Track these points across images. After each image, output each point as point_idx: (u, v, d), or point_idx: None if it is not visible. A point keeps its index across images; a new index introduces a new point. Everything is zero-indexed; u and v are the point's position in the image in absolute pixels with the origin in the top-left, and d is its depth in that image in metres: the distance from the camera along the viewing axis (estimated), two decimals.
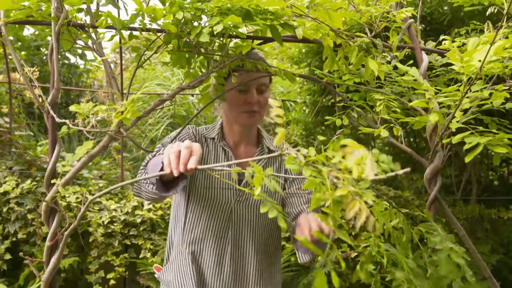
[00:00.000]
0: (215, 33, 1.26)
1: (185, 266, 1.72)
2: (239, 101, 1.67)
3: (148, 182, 1.45)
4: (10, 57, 4.14)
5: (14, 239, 3.35)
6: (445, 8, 3.15)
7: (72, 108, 1.34)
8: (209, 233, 1.72)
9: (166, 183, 1.42)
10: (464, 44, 1.42)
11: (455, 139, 1.26)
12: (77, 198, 3.47)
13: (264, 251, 1.78)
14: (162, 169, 1.30)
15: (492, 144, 1.22)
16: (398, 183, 4.94)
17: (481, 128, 1.28)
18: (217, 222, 1.72)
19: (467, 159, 1.24)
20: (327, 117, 1.77)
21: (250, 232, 1.76)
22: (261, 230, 1.77)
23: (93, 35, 1.46)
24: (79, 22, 1.43)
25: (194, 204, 1.73)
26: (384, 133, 1.39)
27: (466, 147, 1.23)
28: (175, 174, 1.15)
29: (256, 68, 1.49)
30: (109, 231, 3.43)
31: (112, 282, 3.37)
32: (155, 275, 1.89)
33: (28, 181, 3.51)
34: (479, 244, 4.06)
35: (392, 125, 1.48)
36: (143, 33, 1.41)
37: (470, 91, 1.27)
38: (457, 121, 1.32)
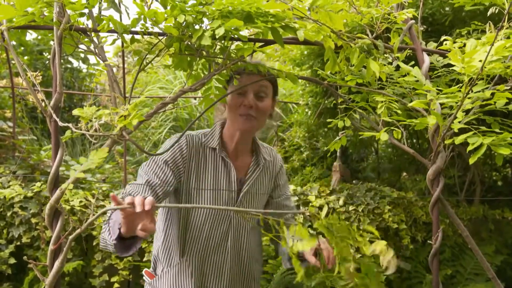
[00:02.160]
0: (217, 36, 1.26)
1: (183, 279, 1.73)
2: (237, 104, 1.70)
3: (109, 241, 1.41)
4: (13, 61, 4.15)
5: (18, 243, 3.36)
6: (447, 9, 3.15)
7: (75, 112, 1.34)
8: (210, 244, 1.75)
9: (124, 244, 1.40)
10: (465, 45, 1.42)
11: (458, 140, 1.26)
12: (80, 202, 3.47)
13: (255, 254, 1.88)
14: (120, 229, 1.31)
15: (495, 145, 1.22)
16: (401, 184, 4.93)
17: (483, 128, 1.28)
18: (218, 232, 1.75)
19: (471, 161, 1.24)
20: (329, 120, 1.78)
21: (247, 239, 1.82)
22: (254, 236, 1.87)
23: (95, 39, 1.47)
24: (81, 26, 1.43)
25: (195, 218, 1.73)
26: (384, 136, 1.39)
27: (469, 148, 1.22)
28: (139, 209, 1.15)
29: (257, 70, 1.50)
30: None
31: (116, 285, 3.37)
32: (145, 279, 1.85)
33: (39, 184, 3.52)
34: (483, 244, 4.05)
35: (393, 128, 1.48)
36: (145, 36, 1.42)
37: (472, 91, 1.27)
38: (459, 122, 1.32)
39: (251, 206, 1.80)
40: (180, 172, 1.69)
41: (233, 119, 1.73)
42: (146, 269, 1.85)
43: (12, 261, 3.30)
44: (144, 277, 1.87)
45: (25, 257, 1.51)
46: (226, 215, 1.74)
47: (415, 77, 1.40)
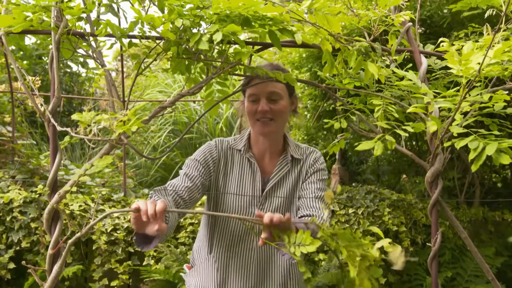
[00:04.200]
0: (214, 41, 1.26)
1: (209, 273, 1.83)
2: (252, 110, 1.77)
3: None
4: (12, 66, 4.15)
5: (18, 248, 3.35)
6: (445, 11, 3.15)
7: (74, 116, 1.34)
8: (236, 241, 1.82)
9: (144, 240, 1.52)
10: (463, 47, 1.42)
11: (459, 145, 1.26)
12: (80, 206, 3.47)
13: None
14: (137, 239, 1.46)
15: (497, 151, 1.21)
16: (401, 187, 4.93)
17: (482, 131, 1.27)
18: (242, 229, 1.81)
19: (474, 169, 1.23)
20: (326, 120, 1.78)
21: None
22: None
23: (93, 43, 1.47)
24: (79, 30, 1.44)
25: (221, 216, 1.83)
26: (379, 150, 1.38)
27: (471, 156, 1.22)
28: (145, 219, 1.26)
29: (255, 74, 1.51)
30: (112, 238, 3.43)
31: None
32: (182, 274, 1.99)
33: (41, 186, 3.52)
34: (483, 246, 4.04)
35: (388, 136, 1.47)
36: (143, 40, 1.42)
37: (469, 95, 1.27)
38: (457, 124, 1.31)
39: (273, 205, 1.82)
40: (210, 171, 1.81)
41: (252, 124, 1.81)
42: (186, 264, 2.01)
43: (12, 266, 3.30)
44: (185, 270, 1.99)
45: (23, 262, 1.51)
46: (250, 211, 1.80)
47: (411, 80, 1.40)
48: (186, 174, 1.74)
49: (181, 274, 2.02)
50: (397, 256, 1.11)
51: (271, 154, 1.87)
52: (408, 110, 1.37)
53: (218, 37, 1.22)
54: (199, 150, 1.84)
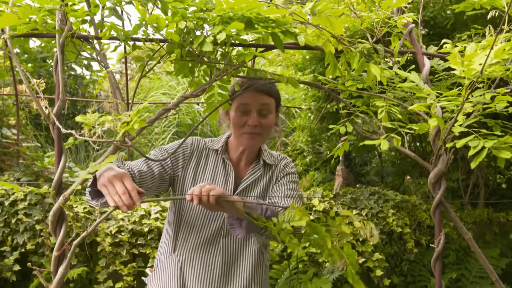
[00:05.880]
0: (218, 42, 1.27)
1: (171, 273, 1.76)
2: (240, 123, 1.74)
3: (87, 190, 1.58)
4: (16, 69, 4.18)
5: (23, 250, 3.37)
6: (448, 12, 3.15)
7: (78, 118, 1.35)
8: (201, 242, 1.76)
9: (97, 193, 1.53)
10: (465, 48, 1.42)
11: (459, 144, 1.26)
12: (84, 208, 3.48)
13: (256, 253, 1.82)
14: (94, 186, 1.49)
15: (497, 148, 1.21)
16: (405, 188, 4.92)
17: (484, 131, 1.28)
18: (209, 230, 1.75)
19: (473, 165, 1.23)
20: (331, 126, 1.79)
21: (243, 241, 1.80)
22: (255, 238, 1.80)
23: (97, 46, 1.47)
24: (83, 33, 1.44)
25: (187, 213, 1.77)
26: (385, 145, 1.38)
27: (471, 152, 1.22)
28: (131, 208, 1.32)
29: (257, 76, 1.51)
30: (117, 240, 3.43)
31: None
32: (144, 279, 1.91)
33: (46, 187, 3.53)
34: (488, 248, 4.04)
35: (393, 135, 1.48)
36: (147, 43, 1.43)
37: (472, 96, 1.27)
38: (460, 125, 1.31)
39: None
40: (178, 166, 1.77)
41: (237, 136, 1.78)
42: (149, 268, 1.94)
43: (17, 268, 3.31)
44: (147, 274, 1.93)
45: (29, 264, 1.52)
46: (219, 213, 1.75)
47: (413, 81, 1.40)
48: (145, 161, 1.70)
49: (142, 278, 1.94)
50: (370, 231, 1.24)
51: (247, 161, 1.86)
52: (410, 108, 1.37)
53: (222, 36, 1.23)
54: (173, 143, 1.81)
